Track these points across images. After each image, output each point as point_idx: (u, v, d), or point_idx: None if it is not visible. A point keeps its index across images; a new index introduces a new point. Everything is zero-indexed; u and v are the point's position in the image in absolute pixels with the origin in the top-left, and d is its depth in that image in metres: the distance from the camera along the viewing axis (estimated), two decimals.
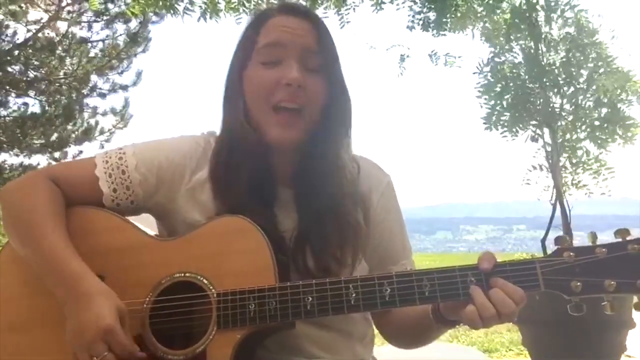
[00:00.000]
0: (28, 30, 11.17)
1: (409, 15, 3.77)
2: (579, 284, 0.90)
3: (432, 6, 3.68)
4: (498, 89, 3.31)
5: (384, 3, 3.87)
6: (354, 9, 3.98)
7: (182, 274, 1.01)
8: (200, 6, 3.95)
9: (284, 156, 1.12)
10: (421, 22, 3.75)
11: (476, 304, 0.91)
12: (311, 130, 1.09)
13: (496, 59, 3.36)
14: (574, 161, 3.25)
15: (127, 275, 1.00)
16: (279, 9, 1.13)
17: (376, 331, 1.23)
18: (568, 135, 3.27)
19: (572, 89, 3.27)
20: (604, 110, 3.20)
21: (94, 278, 0.97)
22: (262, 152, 1.08)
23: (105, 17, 11.68)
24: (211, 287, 0.99)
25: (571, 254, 0.91)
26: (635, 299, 0.90)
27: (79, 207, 1.09)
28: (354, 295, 0.95)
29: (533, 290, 0.91)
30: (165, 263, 1.03)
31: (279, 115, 1.06)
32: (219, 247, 1.02)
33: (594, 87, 3.11)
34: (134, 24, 11.76)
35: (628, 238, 0.90)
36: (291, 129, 1.07)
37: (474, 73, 3.34)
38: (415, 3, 3.73)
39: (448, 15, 3.65)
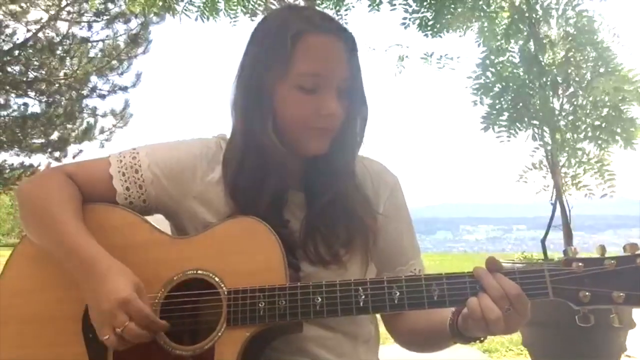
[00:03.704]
0: (28, 30, 11.18)
1: (405, 12, 3.77)
2: (587, 294, 0.89)
3: (430, 5, 3.67)
4: (497, 89, 3.30)
5: (381, 3, 3.87)
6: (351, 9, 3.98)
7: (194, 271, 1.03)
8: (199, 6, 3.95)
9: (299, 162, 1.14)
10: (417, 21, 3.75)
11: (481, 304, 0.91)
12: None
13: (495, 59, 3.35)
14: (574, 161, 3.23)
15: (140, 272, 1.01)
16: (317, 25, 1.09)
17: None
18: (568, 135, 3.26)
19: (571, 89, 3.26)
20: (604, 111, 3.18)
21: (110, 259, 1.00)
22: (286, 164, 1.10)
23: (105, 17, 11.69)
24: (222, 285, 1.01)
25: (580, 264, 0.91)
26: None
27: (95, 204, 1.11)
28: (363, 297, 0.96)
29: (541, 298, 0.91)
30: (178, 261, 1.04)
31: (316, 133, 1.09)
32: (232, 246, 1.04)
33: (594, 87, 3.10)
34: (134, 24, 11.77)
35: (637, 252, 0.91)
36: (325, 143, 1.11)
37: (472, 72, 3.33)
38: (415, 1, 3.72)
39: (445, 17, 3.64)
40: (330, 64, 1.07)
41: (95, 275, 0.98)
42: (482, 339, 0.98)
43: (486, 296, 0.91)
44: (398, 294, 0.95)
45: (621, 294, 0.88)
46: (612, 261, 0.90)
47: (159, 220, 1.15)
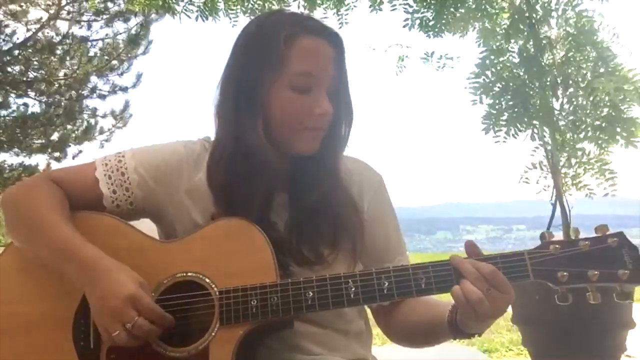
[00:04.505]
0: (28, 30, 11.18)
1: (405, 13, 3.77)
2: (565, 273, 0.94)
3: (430, 6, 3.67)
4: (497, 89, 3.30)
5: (382, 3, 3.86)
6: (352, 8, 3.98)
7: (184, 274, 1.03)
8: (199, 6, 3.95)
9: (285, 163, 1.13)
10: (418, 22, 3.75)
11: (462, 289, 0.95)
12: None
13: (495, 59, 3.35)
14: (574, 161, 3.23)
15: None
16: (307, 27, 1.10)
17: (374, 332, 1.23)
18: (568, 135, 3.26)
19: (571, 89, 3.26)
20: (605, 111, 3.18)
21: (109, 258, 1.01)
22: (275, 165, 1.10)
23: (105, 16, 11.69)
24: (213, 286, 1.01)
25: (557, 246, 0.96)
26: (617, 289, 0.94)
27: (81, 212, 1.11)
28: (353, 289, 0.98)
29: (523, 280, 0.96)
30: (167, 264, 1.04)
31: (309, 133, 1.11)
32: (220, 247, 1.04)
33: (594, 87, 3.10)
34: (133, 23, 11.76)
35: (607, 233, 0.96)
36: (317, 142, 1.13)
37: (472, 72, 3.33)
38: (415, 2, 3.72)
39: (446, 17, 3.64)
40: (322, 65, 1.09)
41: (97, 274, 0.98)
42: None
43: (466, 281, 0.94)
44: (387, 284, 0.97)
45: (595, 273, 0.93)
46: (586, 242, 0.95)
47: (145, 226, 1.15)
